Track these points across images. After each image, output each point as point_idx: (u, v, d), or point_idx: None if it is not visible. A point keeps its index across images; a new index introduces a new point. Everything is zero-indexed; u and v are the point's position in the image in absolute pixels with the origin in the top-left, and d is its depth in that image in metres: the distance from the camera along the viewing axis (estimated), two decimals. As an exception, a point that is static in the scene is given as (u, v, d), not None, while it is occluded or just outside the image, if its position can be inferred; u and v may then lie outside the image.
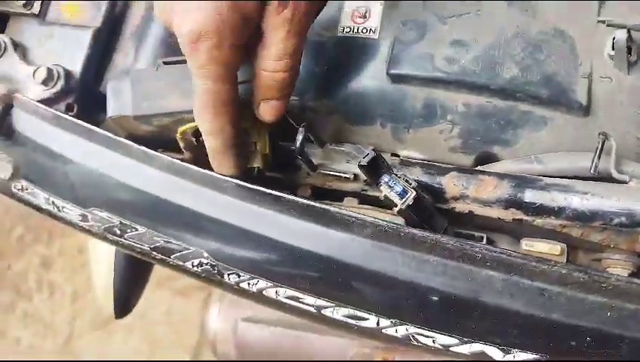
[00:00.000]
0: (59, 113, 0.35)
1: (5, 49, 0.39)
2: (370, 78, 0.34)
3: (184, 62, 0.32)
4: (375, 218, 0.30)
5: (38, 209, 0.39)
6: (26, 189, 0.38)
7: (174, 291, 1.55)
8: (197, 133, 0.32)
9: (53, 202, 0.37)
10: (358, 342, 0.66)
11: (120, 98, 0.32)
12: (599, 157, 0.29)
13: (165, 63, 0.33)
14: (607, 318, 0.27)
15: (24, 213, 1.60)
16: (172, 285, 1.56)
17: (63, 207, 0.37)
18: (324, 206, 0.30)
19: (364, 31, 0.35)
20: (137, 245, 0.36)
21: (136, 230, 0.35)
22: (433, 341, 0.31)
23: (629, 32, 0.30)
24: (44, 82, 0.37)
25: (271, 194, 0.31)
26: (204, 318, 0.75)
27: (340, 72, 0.35)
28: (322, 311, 0.33)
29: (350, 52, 0.35)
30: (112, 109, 0.33)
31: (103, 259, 0.52)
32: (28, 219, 1.60)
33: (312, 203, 0.30)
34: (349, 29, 0.35)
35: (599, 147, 0.29)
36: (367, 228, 0.29)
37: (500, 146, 0.33)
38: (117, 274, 0.50)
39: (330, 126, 0.36)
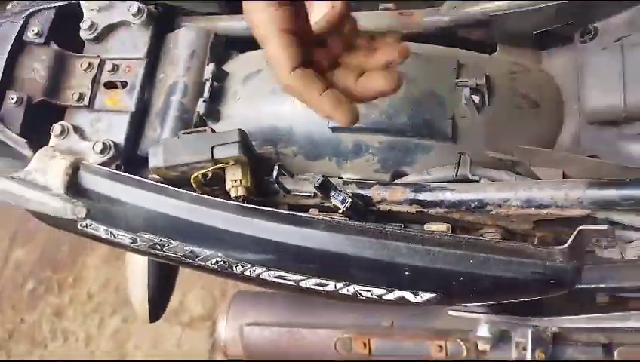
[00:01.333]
0: (114, 171, 0.53)
1: (68, 131, 0.56)
2: (319, 131, 0.52)
3: (196, 131, 0.50)
4: (328, 218, 0.48)
5: (99, 239, 0.56)
6: (90, 226, 0.55)
7: (182, 324, 1.69)
8: (204, 176, 0.49)
9: (111, 232, 0.54)
10: (340, 331, 0.82)
11: (156, 156, 0.50)
12: (458, 166, 0.47)
13: (183, 133, 0.51)
14: (469, 264, 0.44)
15: (34, 268, 1.74)
16: (180, 319, 1.70)
17: (118, 235, 0.54)
18: (292, 214, 0.48)
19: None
20: (172, 255, 0.53)
21: (171, 244, 0.52)
22: (370, 293, 0.48)
23: (471, 88, 0.48)
24: (101, 152, 0.54)
25: (259, 209, 0.49)
26: (216, 331, 0.91)
27: (298, 129, 0.53)
28: (299, 283, 0.50)
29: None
30: (152, 163, 0.50)
31: (137, 274, 0.68)
32: (39, 273, 1.74)
33: (285, 212, 0.48)
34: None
35: (457, 161, 0.47)
36: (322, 224, 0.47)
37: (406, 166, 0.51)
38: (150, 284, 0.66)
39: (296, 163, 0.53)
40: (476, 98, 0.48)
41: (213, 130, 0.52)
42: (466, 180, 0.48)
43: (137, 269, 0.67)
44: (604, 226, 0.41)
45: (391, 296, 0.48)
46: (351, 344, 0.80)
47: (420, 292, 0.47)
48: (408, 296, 0.47)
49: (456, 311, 0.70)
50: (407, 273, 0.46)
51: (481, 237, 0.45)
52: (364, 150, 0.51)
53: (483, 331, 0.72)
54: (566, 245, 0.42)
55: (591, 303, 0.67)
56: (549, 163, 0.44)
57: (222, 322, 0.90)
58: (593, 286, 0.55)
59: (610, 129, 0.44)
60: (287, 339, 0.85)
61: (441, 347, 0.77)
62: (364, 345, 0.80)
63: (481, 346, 0.73)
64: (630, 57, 0.41)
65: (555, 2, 0.47)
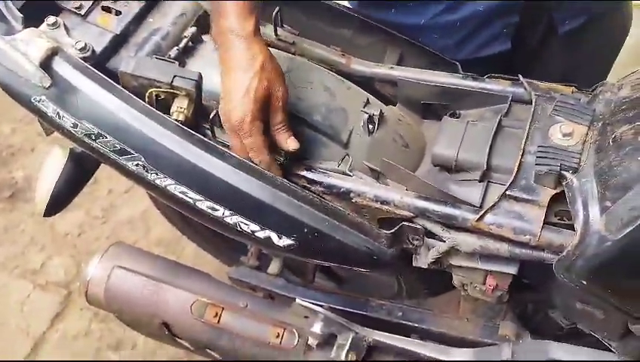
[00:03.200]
0: (85, 64, 0.64)
1: (59, 25, 0.67)
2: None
3: (168, 60, 0.64)
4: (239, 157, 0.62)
5: (43, 116, 0.65)
6: (42, 101, 0.64)
7: (35, 284, 1.63)
8: (157, 95, 0.62)
9: (58, 113, 0.64)
10: (198, 295, 0.91)
11: (128, 64, 0.63)
12: (341, 162, 0.65)
13: (156, 57, 0.65)
14: (325, 225, 0.60)
15: None
16: (35, 278, 1.64)
17: (63, 116, 0.64)
18: (212, 143, 0.61)
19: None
20: (101, 148, 0.63)
21: (106, 138, 0.63)
22: (248, 227, 0.62)
23: (369, 116, 0.67)
24: (80, 50, 0.66)
25: (187, 131, 0.61)
26: (84, 265, 0.95)
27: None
28: (196, 203, 0.62)
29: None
30: (122, 67, 0.63)
31: (51, 169, 0.75)
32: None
33: (207, 140, 0.61)
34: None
35: (340, 162, 0.65)
36: (231, 158, 0.61)
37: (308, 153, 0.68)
38: (58, 183, 0.74)
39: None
40: (369, 124, 0.67)
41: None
42: (343, 173, 0.65)
43: (53, 164, 0.75)
44: (418, 226, 0.59)
45: (261, 234, 0.62)
46: (205, 309, 0.90)
47: (283, 237, 0.61)
48: (274, 237, 0.62)
49: (303, 301, 0.84)
50: (278, 217, 0.60)
51: (339, 208, 0.61)
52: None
53: (316, 328, 0.86)
54: (390, 232, 0.60)
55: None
56: (400, 178, 0.63)
57: (95, 259, 0.96)
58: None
59: (444, 173, 0.63)
60: (148, 290, 0.92)
61: (278, 334, 0.89)
62: (216, 314, 0.90)
63: (311, 341, 0.86)
64: (469, 131, 0.62)
65: (444, 84, 0.68)
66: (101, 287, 0.94)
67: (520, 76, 0.65)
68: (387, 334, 0.85)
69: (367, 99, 0.70)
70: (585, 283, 0.51)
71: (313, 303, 0.84)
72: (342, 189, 0.63)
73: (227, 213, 0.62)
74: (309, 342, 0.87)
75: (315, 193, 0.64)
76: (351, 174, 0.64)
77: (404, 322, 0.89)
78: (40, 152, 1.75)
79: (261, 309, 0.92)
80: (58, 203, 0.76)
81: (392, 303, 0.94)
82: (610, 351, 0.64)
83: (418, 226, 0.59)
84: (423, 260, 0.64)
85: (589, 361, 0.66)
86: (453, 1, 0.72)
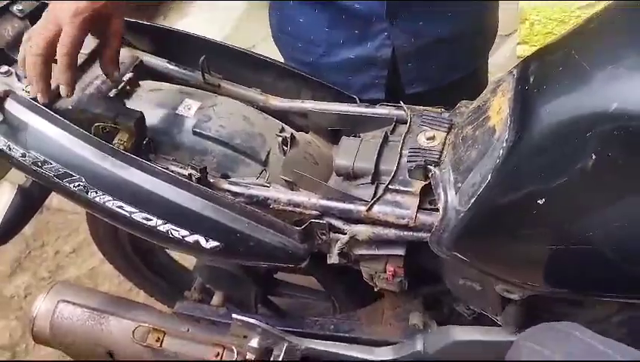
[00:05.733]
0: (34, 102, 0.74)
1: (11, 73, 0.78)
2: (185, 132, 0.79)
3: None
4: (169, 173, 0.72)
5: (-2, 148, 0.74)
6: (-7, 138, 0.74)
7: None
8: (103, 128, 0.73)
9: (9, 145, 0.73)
10: (141, 323, 0.96)
11: (79, 101, 0.74)
12: (259, 176, 0.76)
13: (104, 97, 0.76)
14: (245, 226, 0.70)
15: None
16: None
17: (13, 148, 0.73)
18: (143, 161, 0.72)
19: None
20: (47, 173, 0.73)
21: (51, 164, 0.72)
22: (178, 233, 0.71)
23: (283, 139, 0.80)
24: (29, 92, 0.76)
25: (121, 153, 0.72)
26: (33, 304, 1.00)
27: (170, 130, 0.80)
28: (132, 215, 0.71)
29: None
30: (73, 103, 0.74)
31: (2, 198, 0.82)
32: None
33: (139, 158, 0.72)
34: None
35: (258, 176, 0.76)
36: (159, 173, 0.71)
37: (231, 171, 0.78)
38: (10, 208, 0.81)
39: (165, 147, 0.79)
40: (283, 145, 0.80)
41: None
42: (262, 185, 0.76)
43: (2, 199, 0.82)
44: (323, 222, 0.71)
45: (190, 239, 0.71)
46: (147, 335, 0.95)
47: (210, 240, 0.71)
48: (202, 241, 0.71)
49: (238, 315, 0.92)
50: (203, 222, 0.70)
51: (256, 210, 0.72)
52: (209, 152, 0.79)
53: (254, 342, 0.93)
54: (301, 228, 0.71)
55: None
56: (309, 186, 0.74)
57: (40, 296, 1.00)
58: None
59: (346, 181, 0.76)
60: (92, 321, 0.97)
61: (218, 353, 0.95)
62: (158, 339, 0.95)
63: (249, 355, 0.93)
64: (362, 145, 0.76)
65: (345, 112, 0.83)
66: (47, 322, 0.98)
67: (401, 102, 0.80)
68: (318, 341, 0.93)
69: (282, 127, 0.83)
70: (452, 252, 0.63)
71: (250, 317, 0.92)
72: (261, 198, 0.74)
73: (159, 222, 0.71)
74: (247, 357, 0.93)
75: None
76: (268, 185, 0.76)
77: (336, 334, 0.97)
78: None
79: (202, 332, 0.99)
80: (7, 233, 0.83)
81: (324, 318, 1.02)
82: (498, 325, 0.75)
83: (324, 222, 0.71)
84: (334, 256, 0.74)
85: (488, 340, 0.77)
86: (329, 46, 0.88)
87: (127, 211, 0.72)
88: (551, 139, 0.51)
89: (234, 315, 0.92)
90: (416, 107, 0.79)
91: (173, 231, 0.71)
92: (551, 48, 0.57)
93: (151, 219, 0.71)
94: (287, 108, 0.87)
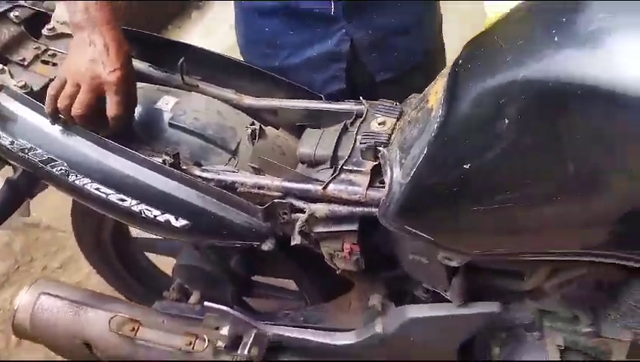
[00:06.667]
0: (25, 95, 0.82)
1: (5, 71, 0.86)
2: (164, 122, 0.87)
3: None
4: (142, 155, 0.79)
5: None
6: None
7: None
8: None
9: (-1, 135, 0.80)
10: (118, 312, 0.99)
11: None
12: (228, 163, 0.83)
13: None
14: (213, 205, 0.76)
15: None
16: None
17: (2, 136, 0.80)
18: (118, 146, 0.78)
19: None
20: (32, 158, 0.79)
21: (37, 151, 0.79)
22: (150, 213, 0.77)
23: (252, 131, 0.87)
24: (21, 87, 0.84)
25: (96, 137, 0.79)
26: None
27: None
28: (109, 196, 0.77)
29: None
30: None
31: None
32: None
33: (115, 143, 0.78)
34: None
35: (227, 163, 0.83)
36: (134, 156, 0.78)
37: (202, 160, 0.85)
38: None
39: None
40: (252, 137, 0.87)
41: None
42: (231, 171, 0.83)
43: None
44: (285, 202, 0.77)
45: (162, 218, 0.77)
46: (123, 325, 0.99)
47: (179, 218, 0.77)
48: (172, 219, 0.77)
49: (210, 304, 0.96)
50: (174, 202, 0.76)
51: (222, 191, 0.78)
52: (184, 142, 0.86)
53: (224, 330, 0.97)
54: (264, 207, 0.77)
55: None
56: (274, 171, 0.81)
57: (23, 290, 1.05)
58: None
59: (310, 168, 0.83)
60: (71, 313, 1.01)
61: (190, 342, 0.99)
62: (133, 329, 0.99)
63: (219, 343, 0.97)
64: (324, 135, 0.83)
65: (311, 108, 0.90)
66: (27, 314, 1.02)
67: (361, 98, 0.88)
68: (285, 327, 0.97)
69: (253, 122, 0.91)
70: (397, 223, 0.69)
71: (221, 305, 0.96)
72: (229, 182, 0.80)
73: (133, 202, 0.77)
74: (217, 345, 0.97)
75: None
76: (236, 170, 0.83)
77: (305, 324, 1.01)
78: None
79: (176, 324, 1.03)
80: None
81: (295, 311, 1.07)
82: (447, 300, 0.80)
83: (285, 202, 0.77)
84: (297, 237, 0.80)
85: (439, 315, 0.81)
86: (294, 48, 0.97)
87: (103, 193, 0.78)
88: (473, 109, 0.59)
89: (206, 303, 0.97)
90: (374, 101, 0.86)
91: (145, 211, 0.77)
92: (481, 35, 0.65)
93: (125, 200, 0.77)
94: (258, 106, 0.95)
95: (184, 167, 0.81)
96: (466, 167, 0.59)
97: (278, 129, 0.95)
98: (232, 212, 0.77)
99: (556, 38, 0.51)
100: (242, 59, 1.00)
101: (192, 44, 0.99)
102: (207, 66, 0.98)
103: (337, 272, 0.86)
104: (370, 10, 0.95)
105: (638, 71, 0.46)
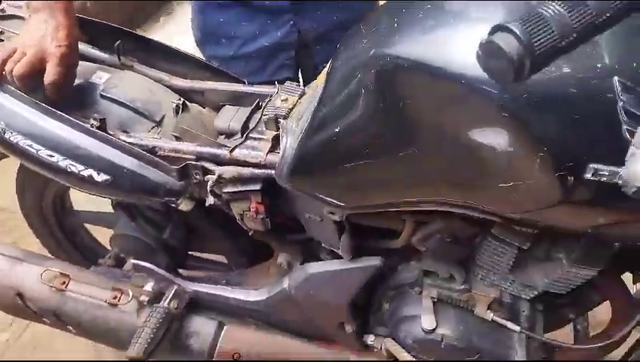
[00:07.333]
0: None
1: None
2: (96, 94, 0.97)
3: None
4: (77, 121, 0.89)
5: None
6: None
7: None
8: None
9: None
10: (50, 268, 1.08)
11: None
12: (152, 130, 0.94)
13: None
14: (130, 162, 0.87)
15: None
16: None
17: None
18: (52, 110, 0.88)
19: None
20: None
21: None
22: (75, 168, 0.87)
23: (176, 105, 0.98)
24: None
25: (26, 98, 0.88)
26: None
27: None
28: (38, 153, 0.87)
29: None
30: None
31: None
32: None
33: (49, 107, 0.88)
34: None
35: (150, 129, 0.94)
36: (65, 120, 0.88)
37: (130, 129, 0.95)
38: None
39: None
40: (176, 110, 0.98)
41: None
42: (153, 138, 0.93)
43: None
44: (198, 164, 0.88)
45: (85, 173, 0.87)
46: (54, 278, 1.07)
47: (101, 173, 0.87)
48: (94, 174, 0.87)
49: (137, 261, 1.05)
50: (96, 158, 0.86)
51: (141, 151, 0.88)
52: (113, 112, 0.96)
53: (148, 286, 1.06)
54: (178, 167, 0.88)
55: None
56: (194, 139, 0.92)
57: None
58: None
59: (225, 138, 0.94)
60: (7, 267, 1.09)
61: (116, 296, 1.08)
62: (64, 282, 1.07)
63: (142, 298, 1.06)
64: (238, 112, 0.95)
65: (233, 90, 1.01)
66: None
67: (276, 82, 1.00)
68: (203, 285, 1.07)
69: (179, 98, 1.01)
70: (290, 183, 0.81)
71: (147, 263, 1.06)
72: (150, 146, 0.91)
73: (60, 158, 0.87)
74: (141, 299, 1.07)
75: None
76: (158, 137, 0.93)
77: (228, 286, 1.11)
78: None
79: (104, 280, 1.12)
80: None
81: (218, 275, 1.17)
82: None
83: (198, 164, 0.88)
84: (209, 197, 0.91)
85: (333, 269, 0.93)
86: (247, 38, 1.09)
87: (34, 149, 0.87)
88: (341, 82, 0.71)
89: (132, 260, 1.06)
90: (284, 84, 0.98)
91: (71, 166, 0.87)
92: (355, 27, 0.77)
93: (53, 156, 0.87)
94: (187, 87, 1.06)
95: (111, 132, 0.91)
96: (337, 130, 0.72)
97: (204, 108, 1.06)
98: (150, 170, 0.88)
99: (395, 25, 0.64)
100: (181, 50, 1.11)
101: (137, 33, 1.09)
102: (148, 52, 1.09)
103: (250, 234, 0.97)
104: (315, 6, 1.09)
105: (452, 48, 0.59)
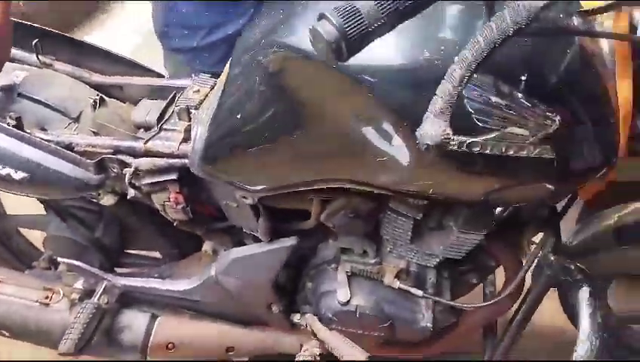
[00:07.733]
0: None
1: None
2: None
3: None
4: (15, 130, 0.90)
5: None
6: None
7: None
8: None
9: None
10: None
11: None
12: (66, 128, 0.95)
13: None
14: (48, 160, 0.89)
15: None
16: None
17: None
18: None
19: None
20: None
21: None
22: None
23: (94, 100, 1.00)
24: None
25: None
26: None
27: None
28: None
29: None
30: None
31: None
32: None
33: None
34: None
35: (67, 125, 0.96)
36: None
37: (52, 127, 0.97)
38: None
39: None
40: (94, 106, 1.00)
41: None
42: (70, 133, 0.95)
43: None
44: (114, 157, 0.90)
45: (3, 171, 0.89)
46: None
47: (18, 171, 0.88)
48: (12, 173, 0.88)
49: (64, 259, 1.07)
50: (12, 156, 0.88)
51: (57, 147, 0.90)
52: (31, 111, 0.97)
53: (78, 284, 1.08)
54: (94, 161, 0.90)
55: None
56: (111, 134, 0.94)
57: None
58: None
59: (143, 132, 0.97)
60: None
61: (47, 296, 1.09)
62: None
63: (73, 296, 1.07)
64: (154, 105, 0.98)
65: (149, 84, 1.04)
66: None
67: (193, 75, 1.03)
68: (134, 279, 1.09)
69: (97, 94, 1.03)
70: (202, 170, 0.85)
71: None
72: (67, 142, 0.93)
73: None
74: (72, 298, 1.08)
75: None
76: (75, 133, 0.95)
77: (160, 278, 1.14)
78: None
79: (35, 281, 1.12)
80: None
81: (150, 269, 1.19)
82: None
83: (114, 157, 0.90)
84: (130, 190, 0.93)
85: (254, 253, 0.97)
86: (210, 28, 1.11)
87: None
88: (240, 72, 0.76)
89: (59, 258, 1.07)
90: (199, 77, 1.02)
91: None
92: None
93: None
94: (107, 83, 1.08)
95: (27, 131, 0.92)
96: (238, 117, 0.76)
97: (125, 103, 1.09)
98: (67, 166, 0.90)
99: (281, 16, 0.69)
100: (100, 45, 1.13)
101: (61, 32, 1.10)
102: (69, 50, 1.10)
103: (175, 225, 1.00)
104: None
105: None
